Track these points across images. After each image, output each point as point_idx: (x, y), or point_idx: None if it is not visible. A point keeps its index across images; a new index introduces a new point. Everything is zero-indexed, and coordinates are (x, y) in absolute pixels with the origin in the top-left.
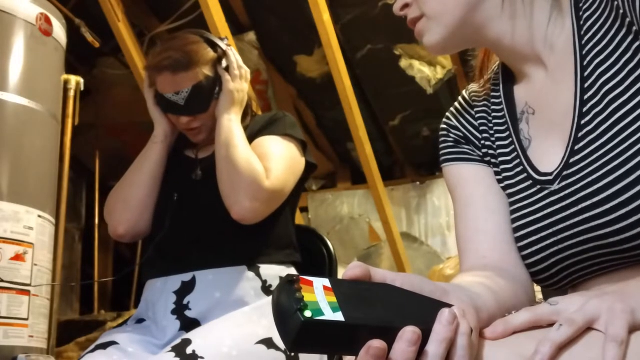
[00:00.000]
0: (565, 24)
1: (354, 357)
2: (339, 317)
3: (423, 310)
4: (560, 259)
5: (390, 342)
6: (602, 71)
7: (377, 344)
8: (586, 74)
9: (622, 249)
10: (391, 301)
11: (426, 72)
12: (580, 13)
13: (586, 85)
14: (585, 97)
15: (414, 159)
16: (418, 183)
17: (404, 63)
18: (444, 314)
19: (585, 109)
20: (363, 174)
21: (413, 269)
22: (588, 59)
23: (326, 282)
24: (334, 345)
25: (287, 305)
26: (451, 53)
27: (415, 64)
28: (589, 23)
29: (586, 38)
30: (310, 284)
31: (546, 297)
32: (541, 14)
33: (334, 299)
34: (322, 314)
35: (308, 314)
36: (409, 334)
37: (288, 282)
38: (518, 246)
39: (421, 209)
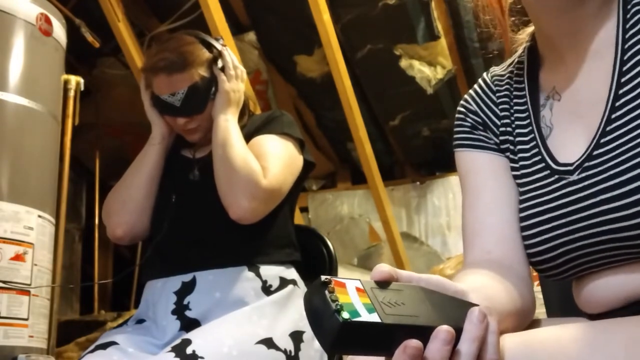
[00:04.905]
0: (612, 13)
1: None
2: (375, 318)
3: (452, 310)
4: (570, 249)
5: (424, 341)
6: None
7: (413, 343)
8: (625, 68)
9: (635, 244)
10: (421, 301)
11: (426, 72)
12: (629, 7)
13: (623, 80)
14: (621, 91)
15: (414, 159)
16: (418, 183)
17: (404, 63)
18: (474, 313)
19: (618, 103)
20: (363, 174)
21: (413, 269)
22: (629, 53)
23: (358, 283)
24: (369, 345)
25: (323, 306)
26: None
27: (415, 64)
28: (635, 18)
29: (631, 32)
30: (343, 285)
31: (545, 288)
32: None
33: (367, 300)
34: (359, 315)
35: (346, 315)
36: (443, 333)
37: (322, 284)
38: (524, 235)
39: (421, 209)
